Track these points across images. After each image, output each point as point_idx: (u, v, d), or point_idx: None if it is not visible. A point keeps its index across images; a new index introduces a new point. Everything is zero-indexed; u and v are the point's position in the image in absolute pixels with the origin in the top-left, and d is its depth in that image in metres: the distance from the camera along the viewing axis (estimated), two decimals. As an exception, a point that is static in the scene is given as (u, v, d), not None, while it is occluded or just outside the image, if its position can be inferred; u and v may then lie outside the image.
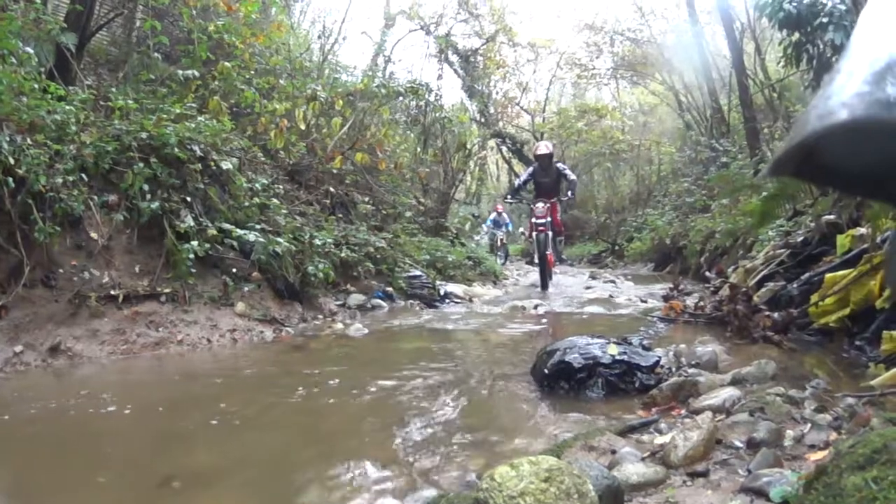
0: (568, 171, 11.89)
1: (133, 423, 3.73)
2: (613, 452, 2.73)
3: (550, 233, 11.29)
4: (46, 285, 5.28)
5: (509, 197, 12.82)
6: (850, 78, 0.64)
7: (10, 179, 5.02)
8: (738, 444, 2.67)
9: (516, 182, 12.84)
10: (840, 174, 0.69)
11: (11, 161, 5.08)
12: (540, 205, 11.38)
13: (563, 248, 15.98)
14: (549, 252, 11.37)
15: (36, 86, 5.71)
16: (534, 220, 11.61)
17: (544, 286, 11.27)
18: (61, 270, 5.45)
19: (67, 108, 5.95)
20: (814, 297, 5.34)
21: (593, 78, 32.73)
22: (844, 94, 0.62)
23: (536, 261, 12.08)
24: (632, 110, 33.56)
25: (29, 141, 5.38)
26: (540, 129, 31.68)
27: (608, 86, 34.76)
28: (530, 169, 12.43)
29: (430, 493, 2.53)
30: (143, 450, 3.28)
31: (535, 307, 8.79)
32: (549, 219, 11.27)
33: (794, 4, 10.11)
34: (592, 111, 29.68)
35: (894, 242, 2.65)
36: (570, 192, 11.71)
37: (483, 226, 23.40)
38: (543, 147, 12.65)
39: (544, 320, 7.73)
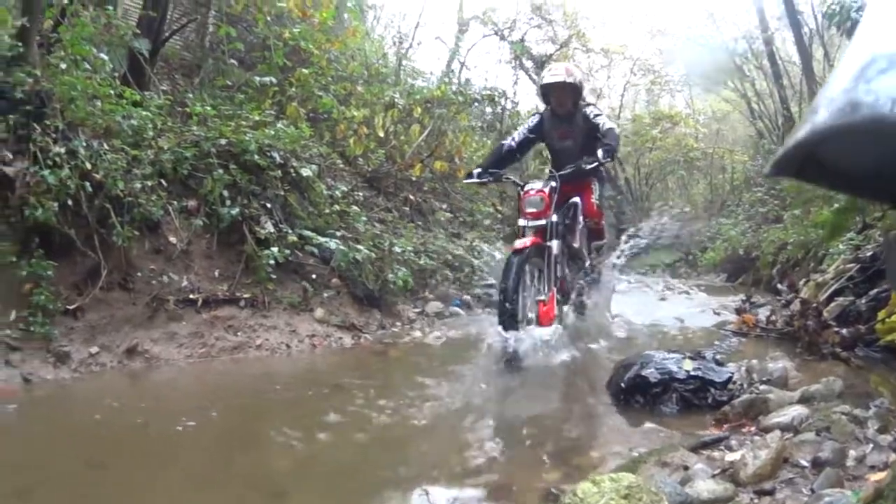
0: (602, 118, 6.39)
1: (219, 429, 3.78)
2: (686, 468, 2.79)
3: (554, 246, 5.90)
4: (124, 288, 5.26)
5: (475, 174, 6.44)
6: (839, 75, 0.68)
7: (88, 184, 5.01)
8: (804, 463, 2.71)
9: (503, 145, 6.86)
10: (841, 175, 0.73)
11: (88, 166, 5.07)
12: (533, 188, 5.97)
13: (600, 270, 7.47)
14: (547, 299, 5.69)
15: (112, 91, 5.70)
16: (521, 220, 5.98)
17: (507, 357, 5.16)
18: (139, 274, 5.44)
19: (144, 113, 5.95)
20: (881, 314, 5.19)
21: (667, 84, 32.36)
22: (831, 90, 0.67)
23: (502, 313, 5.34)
24: (705, 117, 33.04)
25: (105, 146, 5.37)
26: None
27: (681, 92, 34.32)
28: (534, 118, 6.87)
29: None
30: (239, 457, 3.30)
31: (613, 318, 8.46)
32: (551, 219, 5.87)
33: (862, 14, 9.81)
34: (666, 118, 29.29)
35: (894, 245, 2.58)
36: (611, 143, 6.02)
37: None
38: (559, 72, 6.59)
39: (619, 332, 7.46)
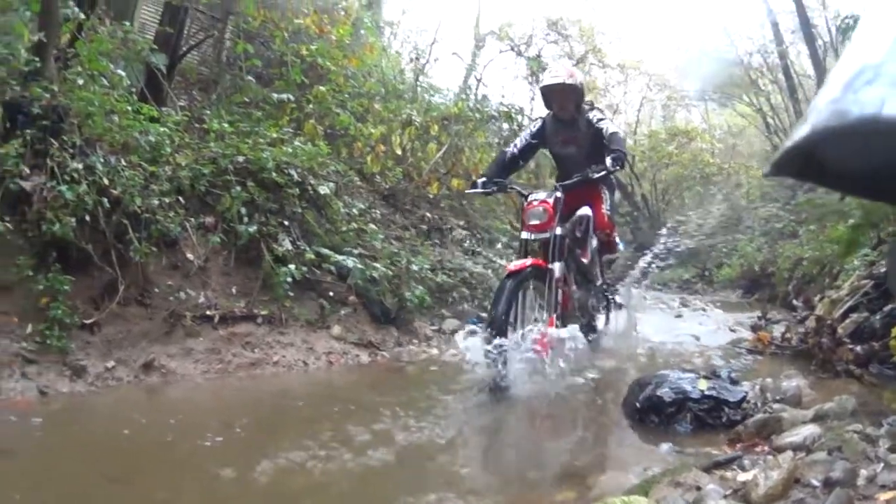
0: (606, 122, 5.97)
1: (238, 445, 3.75)
2: (698, 489, 2.77)
3: (556, 269, 5.43)
4: (141, 304, 5.26)
5: (479, 184, 6.14)
6: (831, 84, 0.69)
7: (105, 199, 5.02)
8: (815, 483, 2.69)
9: (505, 152, 6.59)
10: (841, 175, 0.75)
11: (106, 181, 5.09)
12: (537, 198, 5.59)
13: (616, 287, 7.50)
14: (544, 334, 5.04)
15: (129, 107, 5.72)
16: (523, 233, 5.68)
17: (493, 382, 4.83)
18: (156, 290, 5.44)
19: (161, 129, 5.97)
20: (895, 331, 5.15)
21: (682, 100, 32.27)
22: (822, 98, 0.69)
23: (489, 349, 4.72)
24: (721, 132, 32.90)
25: (123, 162, 5.39)
26: (631, 152, 31.17)
27: (697, 107, 34.21)
28: (536, 123, 6.59)
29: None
30: (256, 474, 3.21)
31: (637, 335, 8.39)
32: (555, 231, 5.46)
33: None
34: (682, 133, 29.14)
35: (894, 250, 2.56)
36: (619, 149, 5.59)
37: None
38: (559, 73, 6.27)
39: (637, 350, 7.39)
